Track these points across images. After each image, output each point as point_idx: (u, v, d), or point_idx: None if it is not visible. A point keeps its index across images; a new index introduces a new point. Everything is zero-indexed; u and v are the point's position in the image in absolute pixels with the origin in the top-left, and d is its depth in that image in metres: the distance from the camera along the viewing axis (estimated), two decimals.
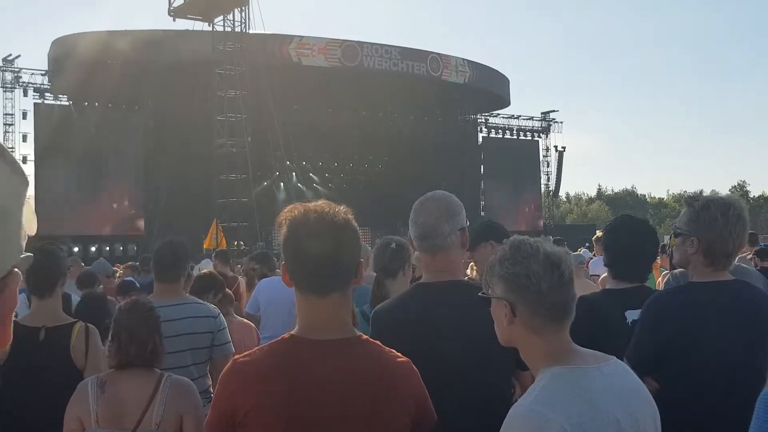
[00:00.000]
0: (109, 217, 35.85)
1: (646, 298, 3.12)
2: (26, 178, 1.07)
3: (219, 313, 4.33)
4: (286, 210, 2.06)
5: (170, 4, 32.78)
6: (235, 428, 1.96)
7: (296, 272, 2.02)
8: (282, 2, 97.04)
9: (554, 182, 50.66)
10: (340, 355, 1.97)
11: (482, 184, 47.75)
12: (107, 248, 33.77)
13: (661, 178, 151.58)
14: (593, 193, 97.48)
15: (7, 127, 35.79)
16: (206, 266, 10.41)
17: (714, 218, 2.89)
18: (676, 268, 4.43)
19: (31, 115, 35.21)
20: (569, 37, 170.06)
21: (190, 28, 33.90)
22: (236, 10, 32.71)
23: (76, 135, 34.59)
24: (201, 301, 4.40)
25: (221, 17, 32.72)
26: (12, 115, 35.74)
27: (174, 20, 33.18)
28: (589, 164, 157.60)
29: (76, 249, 31.06)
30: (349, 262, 2.02)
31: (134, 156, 36.42)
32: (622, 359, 2.82)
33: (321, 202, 2.08)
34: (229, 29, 32.76)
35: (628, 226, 3.53)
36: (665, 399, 2.81)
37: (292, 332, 2.03)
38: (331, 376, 1.93)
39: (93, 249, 33.33)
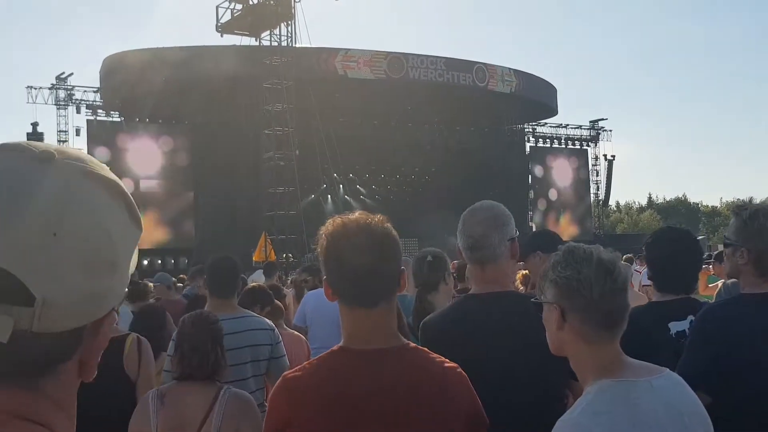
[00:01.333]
0: (160, 230, 36.39)
1: (690, 309, 3.08)
2: (141, 224, 1.06)
3: (274, 327, 4.40)
4: (326, 223, 2.07)
5: (218, 20, 33.32)
6: None
7: (340, 285, 2.01)
8: (327, 16, 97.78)
9: (604, 191, 50.10)
10: (389, 363, 1.97)
11: (531, 194, 47.37)
12: (159, 261, 34.25)
13: (713, 186, 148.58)
14: (644, 202, 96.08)
15: (62, 144, 36.57)
16: (258, 278, 10.49)
17: (763, 227, 2.83)
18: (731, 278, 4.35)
19: (84, 132, 36.01)
20: (617, 43, 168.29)
21: (237, 43, 34.41)
22: (282, 25, 33.07)
23: (127, 150, 35.33)
24: (255, 314, 4.45)
25: (268, 32, 33.10)
26: (65, 131, 36.58)
27: (221, 36, 33.75)
28: (640, 172, 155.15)
29: None
30: (393, 272, 2.02)
31: (183, 170, 36.96)
32: None
33: (358, 213, 2.08)
34: (275, 44, 33.12)
35: (669, 237, 3.48)
36: (718, 412, 2.78)
37: (341, 344, 2.04)
38: (382, 386, 1.93)
39: (146, 262, 33.86)
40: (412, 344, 2.07)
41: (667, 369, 1.95)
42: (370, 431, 1.91)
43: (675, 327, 3.15)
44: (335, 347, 2.05)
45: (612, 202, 69.67)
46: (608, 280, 1.86)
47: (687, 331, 3.12)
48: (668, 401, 1.83)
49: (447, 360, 2.06)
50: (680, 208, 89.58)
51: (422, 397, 1.94)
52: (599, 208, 51.70)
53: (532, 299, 2.06)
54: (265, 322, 4.33)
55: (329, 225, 2.05)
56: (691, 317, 3.13)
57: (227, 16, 33.21)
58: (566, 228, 47.51)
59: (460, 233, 2.75)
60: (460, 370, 2.05)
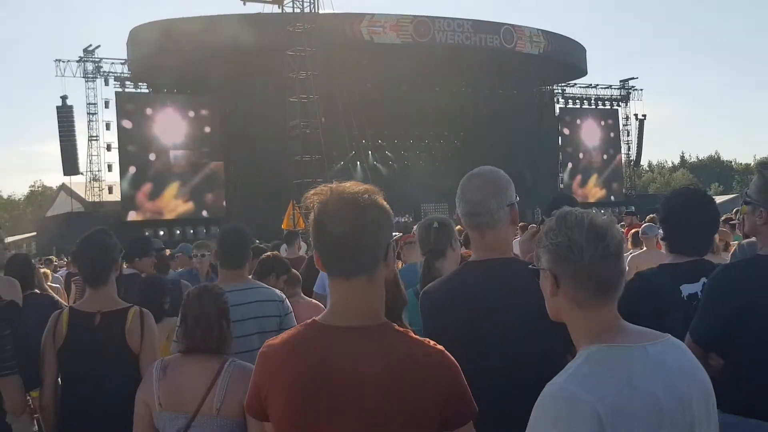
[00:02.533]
0: (190, 200, 36.70)
1: (703, 271, 3.00)
2: None
3: (285, 298, 4.36)
4: (312, 192, 2.03)
5: None
6: (263, 407, 1.99)
7: (322, 254, 1.99)
8: None
9: (635, 151, 49.54)
10: (357, 343, 1.92)
11: (560, 156, 46.96)
12: (191, 231, 34.58)
13: (747, 143, 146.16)
14: (677, 161, 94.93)
15: (91, 116, 36.95)
16: (283, 250, 10.48)
17: None
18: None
19: (112, 104, 36.25)
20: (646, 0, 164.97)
21: (261, 11, 34.31)
22: None
23: (155, 122, 35.58)
24: (265, 285, 4.43)
25: None
26: (95, 104, 36.85)
27: (244, 4, 33.61)
28: (672, 131, 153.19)
29: (161, 233, 32.00)
30: (373, 244, 1.96)
31: (211, 140, 37.15)
32: (675, 333, 2.74)
33: (349, 183, 2.01)
34: (298, 10, 32.93)
35: (684, 198, 3.37)
36: (731, 375, 2.75)
37: (317, 317, 2.01)
38: (344, 364, 1.89)
39: (178, 232, 34.21)
40: (394, 324, 2.00)
41: (669, 335, 1.89)
42: (327, 409, 1.88)
43: (687, 289, 3.08)
44: (309, 320, 2.02)
45: (644, 162, 69.05)
46: (600, 246, 1.82)
47: (699, 293, 3.05)
48: (663, 367, 1.78)
49: (430, 342, 1.99)
50: (713, 166, 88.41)
51: (391, 378, 1.87)
52: (630, 168, 51.20)
53: (530, 266, 2.02)
54: (274, 293, 4.30)
55: (315, 193, 2.02)
56: (703, 280, 3.05)
57: None
58: (597, 189, 47.17)
59: (458, 199, 2.70)
60: (444, 355, 1.97)
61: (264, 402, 1.98)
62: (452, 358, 1.98)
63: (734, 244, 6.20)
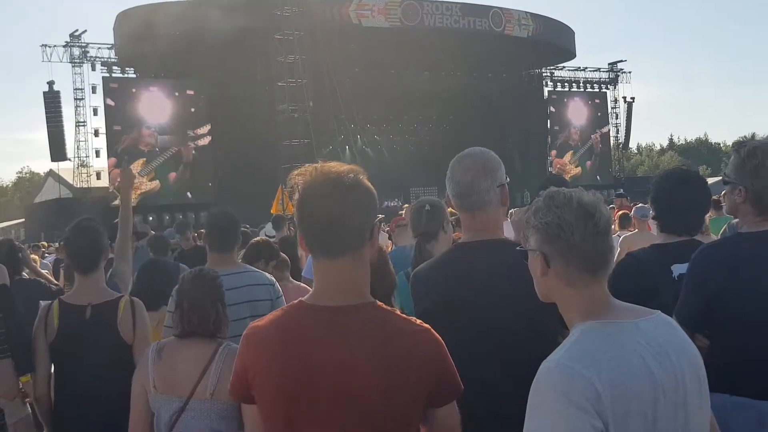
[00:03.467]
0: (178, 186, 36.58)
1: (694, 251, 2.98)
2: None
3: (275, 281, 4.36)
4: (296, 172, 2.01)
5: None
6: (249, 389, 1.99)
7: (306, 235, 1.98)
8: None
9: (623, 134, 49.65)
10: (344, 321, 1.92)
11: (549, 139, 47.02)
12: (180, 216, 34.48)
13: (735, 126, 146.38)
14: (665, 144, 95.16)
15: (78, 102, 36.71)
16: (270, 232, 10.48)
17: (761, 165, 2.75)
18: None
19: (100, 89, 35.99)
20: None
21: None
22: None
23: (143, 106, 35.38)
24: (256, 269, 4.43)
25: None
26: (82, 89, 36.59)
27: None
28: (660, 114, 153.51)
29: (150, 218, 31.92)
30: (359, 224, 1.95)
31: (200, 124, 36.98)
32: (666, 313, 2.75)
33: (332, 163, 2.00)
34: None
35: (676, 177, 3.37)
36: (716, 354, 2.73)
37: (302, 298, 2.01)
38: (331, 343, 1.89)
39: (167, 217, 34.09)
40: (379, 303, 2.00)
41: (659, 311, 1.91)
42: (314, 389, 1.88)
43: (678, 270, 3.08)
44: (295, 301, 2.02)
45: (632, 145, 69.14)
46: (589, 224, 1.83)
47: None
48: (656, 342, 1.80)
49: (416, 321, 2.00)
50: (701, 148, 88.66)
51: (377, 357, 1.88)
52: (619, 150, 51.30)
53: (518, 247, 2.02)
54: (264, 277, 4.29)
55: (297, 174, 2.00)
56: None
57: None
58: (586, 172, 47.27)
59: (448, 180, 2.68)
60: (430, 333, 1.98)
61: (250, 385, 1.98)
62: (438, 335, 1.99)
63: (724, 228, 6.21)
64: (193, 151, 36.96)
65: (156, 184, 36.25)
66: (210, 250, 4.34)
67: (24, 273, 5.81)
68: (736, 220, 4.17)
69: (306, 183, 1.97)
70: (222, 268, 3.90)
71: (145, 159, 35.91)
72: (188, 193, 36.86)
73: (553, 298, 1.94)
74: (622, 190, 16.84)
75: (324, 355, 1.89)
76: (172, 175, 36.71)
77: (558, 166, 45.70)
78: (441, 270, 2.69)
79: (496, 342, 2.45)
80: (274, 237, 9.05)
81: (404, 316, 2.01)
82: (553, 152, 46.62)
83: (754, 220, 2.84)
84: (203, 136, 37.12)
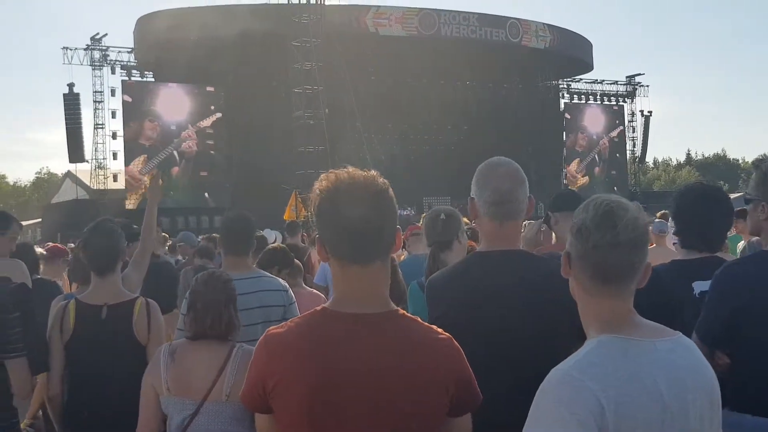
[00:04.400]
0: (195, 190, 36.70)
1: (715, 268, 2.94)
2: None
3: (288, 287, 4.36)
4: (322, 177, 1.98)
5: None
6: (266, 399, 1.93)
7: (336, 241, 1.93)
8: None
9: (640, 148, 49.40)
10: (371, 329, 1.90)
11: (564, 152, 46.84)
12: (195, 219, 34.57)
13: (753, 141, 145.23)
14: (682, 158, 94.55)
15: (97, 104, 36.97)
16: (269, 236, 10.46)
17: None
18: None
19: (119, 92, 36.24)
20: None
21: (267, 2, 34.25)
22: None
23: (161, 111, 35.57)
24: (269, 274, 4.44)
25: None
26: (101, 92, 36.88)
27: None
28: (678, 128, 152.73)
29: (164, 221, 32.00)
30: (389, 228, 1.95)
31: (217, 129, 37.12)
32: (688, 330, 2.64)
33: (352, 169, 1.98)
34: (304, 1, 32.88)
35: (698, 193, 3.32)
36: (735, 373, 2.73)
37: (326, 305, 1.98)
38: (359, 352, 1.87)
39: (181, 220, 34.19)
40: (402, 311, 1.98)
41: (680, 333, 1.87)
42: (341, 397, 1.85)
43: (699, 287, 3.04)
44: (318, 308, 1.99)
45: (649, 159, 68.84)
46: (608, 233, 1.78)
47: None
48: (670, 364, 1.77)
49: (439, 330, 1.98)
50: (719, 164, 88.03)
51: (405, 366, 1.87)
52: (636, 164, 51.03)
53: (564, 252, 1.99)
54: (278, 283, 4.29)
55: (323, 180, 1.96)
56: None
57: None
58: (601, 185, 47.01)
59: (481, 188, 2.61)
60: (451, 341, 1.97)
61: (270, 394, 1.92)
62: (458, 345, 1.98)
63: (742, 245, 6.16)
64: (196, 147, 36.98)
65: (202, 191, 36.36)
66: (225, 253, 4.35)
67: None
68: (756, 237, 4.15)
69: (335, 188, 1.93)
70: (236, 272, 3.91)
71: (146, 156, 35.90)
72: (206, 194, 36.99)
73: (578, 305, 1.93)
74: (644, 205, 16.71)
75: (352, 364, 1.86)
76: (175, 169, 36.58)
77: (569, 176, 45.51)
78: (457, 278, 2.66)
79: (510, 350, 2.43)
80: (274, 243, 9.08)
81: (427, 324, 2.00)
82: (574, 162, 46.41)
83: None
84: (221, 142, 37.19)
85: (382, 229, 1.93)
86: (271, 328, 2.02)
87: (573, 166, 46.77)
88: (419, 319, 2.01)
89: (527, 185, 2.65)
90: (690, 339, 1.90)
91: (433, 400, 1.90)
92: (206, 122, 37.05)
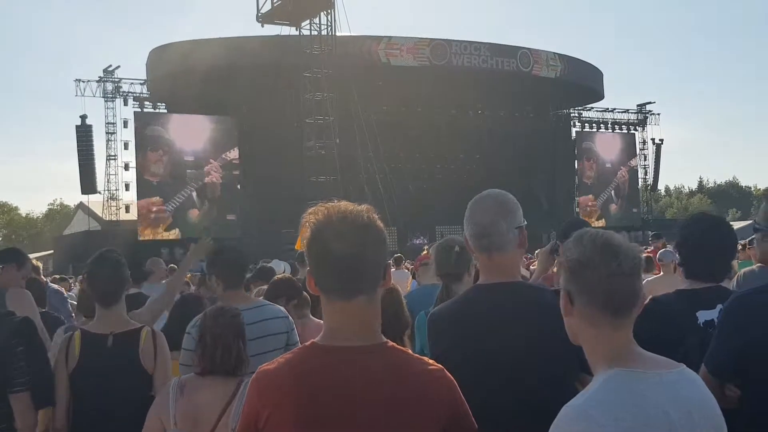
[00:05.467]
0: (205, 219, 36.80)
1: (719, 298, 2.93)
2: None
3: (287, 314, 4.36)
4: (308, 212, 1.98)
5: (258, 10, 33.52)
6: None
7: (322, 275, 1.94)
8: (368, 3, 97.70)
9: (652, 176, 49.37)
10: (359, 362, 1.89)
11: (576, 180, 46.82)
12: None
13: (766, 168, 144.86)
14: (694, 186, 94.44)
15: (110, 136, 37.27)
16: (277, 267, 10.41)
17: None
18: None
19: (131, 123, 36.55)
20: (665, 24, 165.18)
21: (279, 33, 34.58)
22: (322, 14, 33.12)
23: (173, 141, 35.80)
24: (269, 302, 4.43)
25: (308, 21, 33.17)
26: (114, 123, 37.17)
27: (262, 26, 33.96)
28: (690, 156, 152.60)
29: (163, 251, 32.00)
30: (375, 263, 1.94)
31: (228, 160, 37.29)
32: (691, 361, 2.60)
33: (343, 203, 1.99)
34: (315, 33, 33.18)
35: (702, 223, 3.33)
36: (748, 406, 2.68)
37: (315, 339, 1.98)
38: (347, 385, 1.86)
39: (181, 252, 34.22)
40: (391, 343, 1.97)
41: (683, 365, 1.87)
42: (333, 429, 1.84)
43: (703, 316, 3.01)
44: (308, 342, 1.98)
45: (661, 187, 68.72)
46: (613, 263, 1.81)
47: (716, 320, 2.99)
48: (677, 397, 1.76)
49: (430, 362, 1.97)
50: (732, 191, 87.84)
51: (395, 399, 1.86)
52: (648, 192, 50.97)
53: (552, 287, 2.00)
54: (279, 310, 4.28)
55: (312, 213, 1.97)
56: (720, 306, 2.99)
57: (267, 6, 33.50)
58: (613, 213, 46.94)
59: (467, 221, 2.67)
60: (443, 373, 1.95)
61: (263, 427, 1.92)
62: (451, 376, 1.97)
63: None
64: (221, 179, 37.14)
65: (176, 233, 35.97)
66: (225, 287, 4.28)
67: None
68: (749, 268, 4.12)
69: (321, 222, 1.94)
70: (240, 304, 3.86)
71: (194, 200, 35.95)
72: (217, 227, 37.05)
73: (579, 340, 1.92)
74: (659, 232, 16.59)
75: (340, 398, 1.85)
76: (194, 212, 36.79)
77: (585, 206, 45.41)
78: (458, 311, 2.66)
79: (512, 386, 2.41)
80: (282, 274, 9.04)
81: (417, 356, 1.99)
82: (594, 201, 46.37)
83: None
84: (232, 173, 37.33)
85: (364, 264, 1.92)
86: (263, 364, 2.02)
87: (615, 201, 46.77)
88: (410, 351, 2.00)
89: (516, 216, 2.65)
90: (691, 370, 1.89)
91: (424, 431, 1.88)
92: (232, 154, 37.20)
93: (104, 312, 3.84)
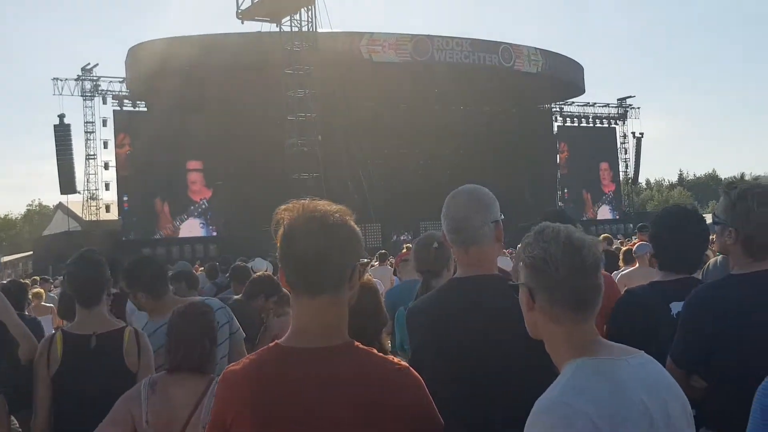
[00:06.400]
0: (189, 220, 36.63)
1: (692, 289, 2.97)
2: None
3: (223, 304, 4.43)
4: (282, 208, 2.01)
5: (238, 6, 33.34)
6: None
7: (288, 271, 1.96)
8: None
9: (633, 169, 49.73)
10: (320, 364, 1.89)
11: (558, 174, 47.03)
12: (190, 249, 34.44)
13: (744, 161, 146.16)
14: (674, 179, 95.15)
15: (88, 135, 36.99)
16: (259, 266, 10.34)
17: (749, 209, 2.74)
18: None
19: (110, 122, 36.25)
20: (644, 19, 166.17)
21: (259, 30, 34.42)
22: (303, 10, 32.99)
23: (154, 140, 35.54)
24: (204, 298, 4.47)
25: (288, 17, 33.04)
26: (92, 122, 36.91)
27: (242, 22, 33.74)
28: (670, 149, 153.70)
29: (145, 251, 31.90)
30: (340, 264, 1.94)
31: (210, 158, 37.09)
32: (664, 352, 2.74)
33: (322, 202, 2.01)
34: (296, 29, 33.05)
35: (675, 215, 3.39)
36: (714, 396, 2.77)
37: (279, 340, 1.98)
38: (307, 387, 1.86)
39: (174, 250, 34.09)
40: (357, 343, 1.97)
41: (642, 351, 1.90)
42: (295, 430, 1.85)
43: (676, 308, 3.07)
44: (272, 343, 2.00)
45: (642, 180, 69.21)
46: (576, 259, 1.82)
47: None
48: (646, 377, 1.80)
49: (395, 360, 1.98)
50: (711, 183, 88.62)
51: (360, 401, 1.85)
52: (628, 185, 51.33)
53: (509, 282, 2.02)
54: (215, 302, 4.34)
55: (284, 210, 2.00)
56: None
57: (247, 3, 33.24)
58: (595, 206, 47.25)
59: (443, 217, 2.71)
60: (409, 371, 1.95)
61: (229, 428, 1.94)
62: (417, 374, 1.97)
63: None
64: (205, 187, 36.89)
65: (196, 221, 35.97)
66: (155, 297, 4.22)
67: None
68: (714, 259, 4.15)
69: (292, 219, 1.97)
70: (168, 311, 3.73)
71: (175, 199, 35.76)
72: (201, 229, 36.93)
73: (540, 335, 1.92)
74: (645, 223, 16.65)
75: (301, 402, 1.85)
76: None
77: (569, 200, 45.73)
78: (434, 305, 2.69)
79: (486, 379, 2.42)
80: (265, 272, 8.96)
81: (382, 355, 1.98)
82: (576, 195, 46.57)
83: (745, 262, 2.82)
84: (214, 170, 37.16)
85: (328, 263, 1.93)
86: (230, 364, 2.05)
87: (596, 194, 47.53)
88: (375, 351, 1.99)
89: (491, 210, 2.68)
90: (651, 357, 1.92)
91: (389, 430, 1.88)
92: (213, 151, 37.00)
93: (85, 313, 3.79)
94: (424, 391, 1.96)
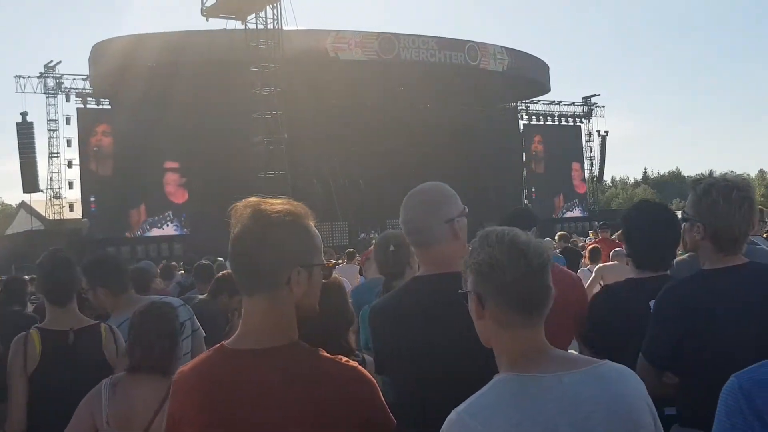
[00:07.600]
0: (153, 217, 36.28)
1: None
2: None
3: (183, 302, 4.45)
4: (239, 204, 1.99)
5: (203, 3, 33.08)
6: None
7: (231, 269, 2.01)
8: None
9: (598, 167, 50.17)
10: (265, 365, 1.87)
11: (524, 172, 47.28)
12: (155, 248, 34.12)
13: (706, 159, 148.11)
14: (639, 177, 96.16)
15: (52, 133, 36.44)
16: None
17: (715, 203, 2.76)
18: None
19: (74, 120, 35.75)
20: (609, 18, 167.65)
21: (224, 27, 34.15)
22: (268, 7, 32.82)
23: (118, 138, 35.13)
24: (161, 297, 4.46)
25: (254, 15, 32.85)
26: (56, 120, 36.35)
27: (207, 20, 33.45)
28: (635, 148, 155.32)
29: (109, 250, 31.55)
30: (276, 264, 1.90)
31: (174, 156, 36.75)
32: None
33: (278, 200, 1.98)
34: (261, 27, 32.87)
35: (647, 212, 3.38)
36: (686, 392, 2.78)
37: (225, 341, 1.97)
38: (251, 389, 1.84)
39: (139, 248, 33.75)
40: (304, 344, 1.94)
41: (606, 361, 1.84)
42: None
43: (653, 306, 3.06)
44: (217, 345, 1.99)
45: (607, 178, 69.83)
46: (522, 263, 1.79)
47: None
48: (573, 399, 1.72)
49: (345, 360, 1.95)
50: (674, 181, 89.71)
51: (305, 400, 1.82)
52: (594, 183, 51.75)
53: (459, 290, 1.98)
54: (175, 301, 4.36)
55: (233, 208, 1.99)
56: None
57: (212, 0, 32.90)
58: (561, 204, 47.60)
59: (400, 219, 2.72)
60: (358, 370, 1.93)
61: (177, 427, 1.94)
62: (367, 373, 1.95)
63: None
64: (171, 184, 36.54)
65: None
66: (115, 293, 4.21)
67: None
68: (689, 254, 4.19)
69: (236, 218, 1.95)
70: (129, 308, 3.78)
71: (142, 197, 35.39)
72: (165, 226, 36.55)
73: (490, 343, 1.89)
74: (606, 221, 16.78)
75: (246, 404, 1.83)
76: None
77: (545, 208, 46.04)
78: (396, 304, 2.69)
79: (449, 377, 2.41)
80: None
81: (329, 355, 1.94)
82: (542, 193, 46.81)
83: (715, 257, 2.84)
84: (179, 168, 36.84)
85: (259, 263, 1.90)
86: (183, 366, 2.05)
87: (562, 193, 47.74)
88: (323, 351, 1.96)
89: (444, 210, 2.65)
90: (613, 365, 1.86)
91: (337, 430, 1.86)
92: (177, 149, 36.59)
93: (59, 311, 3.78)
94: (375, 389, 1.94)
